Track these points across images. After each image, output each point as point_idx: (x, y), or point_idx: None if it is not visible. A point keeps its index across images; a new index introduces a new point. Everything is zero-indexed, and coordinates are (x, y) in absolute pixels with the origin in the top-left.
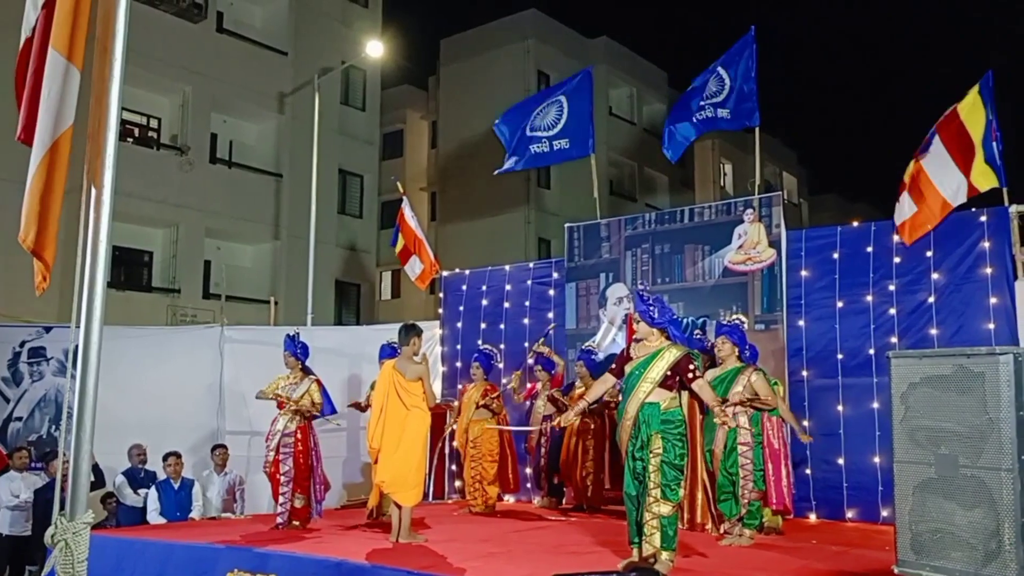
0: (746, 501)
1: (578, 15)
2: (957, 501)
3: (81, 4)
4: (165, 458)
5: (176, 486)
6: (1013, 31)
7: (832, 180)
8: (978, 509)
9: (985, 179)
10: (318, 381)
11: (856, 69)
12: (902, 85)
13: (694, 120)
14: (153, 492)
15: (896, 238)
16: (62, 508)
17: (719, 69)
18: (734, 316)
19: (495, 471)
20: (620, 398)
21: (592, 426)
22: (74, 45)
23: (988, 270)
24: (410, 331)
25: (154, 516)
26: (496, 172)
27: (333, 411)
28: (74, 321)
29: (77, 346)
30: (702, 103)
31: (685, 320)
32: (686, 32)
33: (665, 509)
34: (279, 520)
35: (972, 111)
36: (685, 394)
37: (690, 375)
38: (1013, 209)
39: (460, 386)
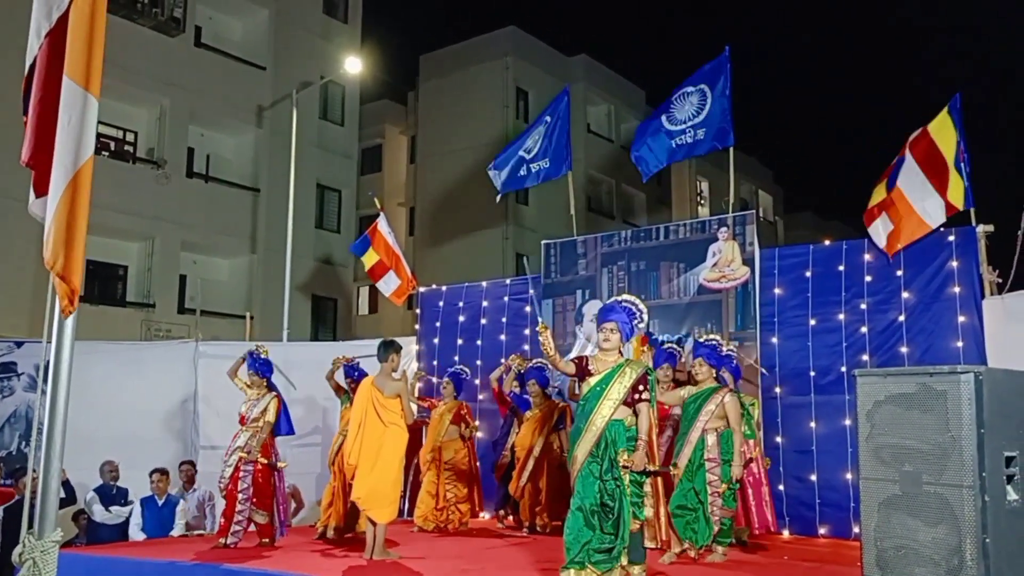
0: (717, 519)
1: (557, 33)
2: (921, 518)
3: (95, 33)
4: (151, 474)
5: (160, 503)
6: (979, 52)
7: (808, 198)
8: (941, 525)
9: (959, 197)
10: (278, 398)
11: (832, 89)
12: (877, 105)
13: (674, 144)
14: (137, 508)
15: (867, 257)
16: (31, 526)
17: (692, 88)
18: (710, 336)
19: (467, 491)
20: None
21: (555, 445)
22: (90, 74)
23: (956, 289)
24: (389, 348)
25: (135, 532)
26: (499, 194)
27: (290, 431)
28: (45, 336)
29: (48, 361)
30: (680, 127)
31: (661, 337)
32: (664, 50)
33: (634, 526)
34: (230, 539)
35: (942, 131)
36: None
37: (636, 395)
38: (980, 229)
39: (426, 404)
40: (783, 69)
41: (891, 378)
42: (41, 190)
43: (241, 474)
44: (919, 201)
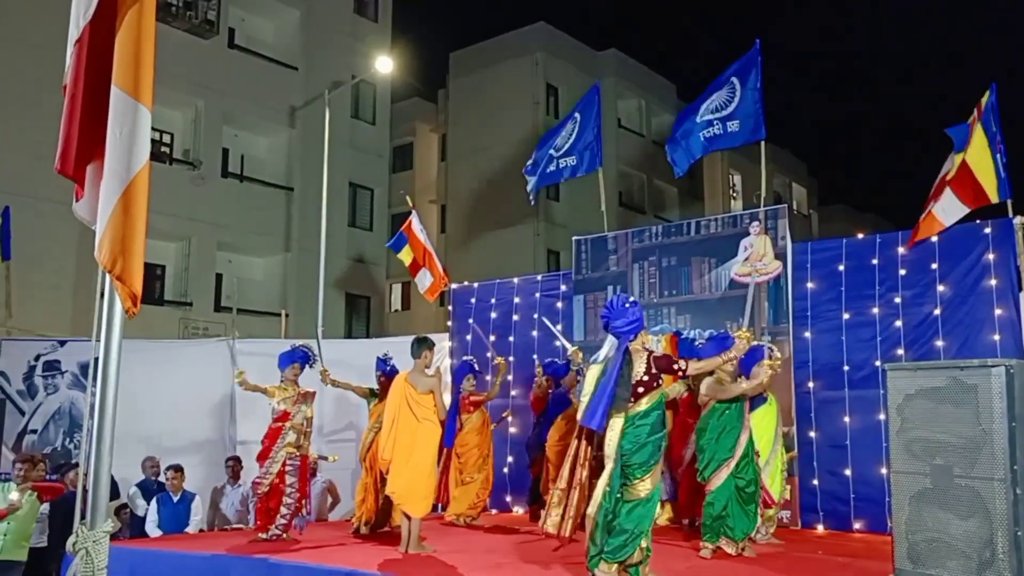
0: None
1: (587, 28)
2: (952, 511)
3: (144, 44)
4: (165, 471)
5: (176, 499)
6: (1018, 39)
7: (842, 191)
8: (973, 519)
9: (993, 188)
10: (313, 395)
11: (865, 80)
12: (911, 96)
13: (703, 137)
14: (153, 504)
15: (901, 250)
16: (83, 517)
17: (725, 81)
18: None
19: (482, 480)
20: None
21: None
22: (141, 84)
23: (993, 282)
24: (422, 344)
25: (152, 528)
26: (531, 201)
27: None
28: (95, 335)
29: (97, 359)
30: (710, 119)
31: (693, 333)
32: (695, 43)
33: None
34: (272, 533)
35: (979, 151)
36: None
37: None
38: (1018, 220)
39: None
40: (816, 60)
41: (921, 372)
42: (80, 193)
43: (287, 468)
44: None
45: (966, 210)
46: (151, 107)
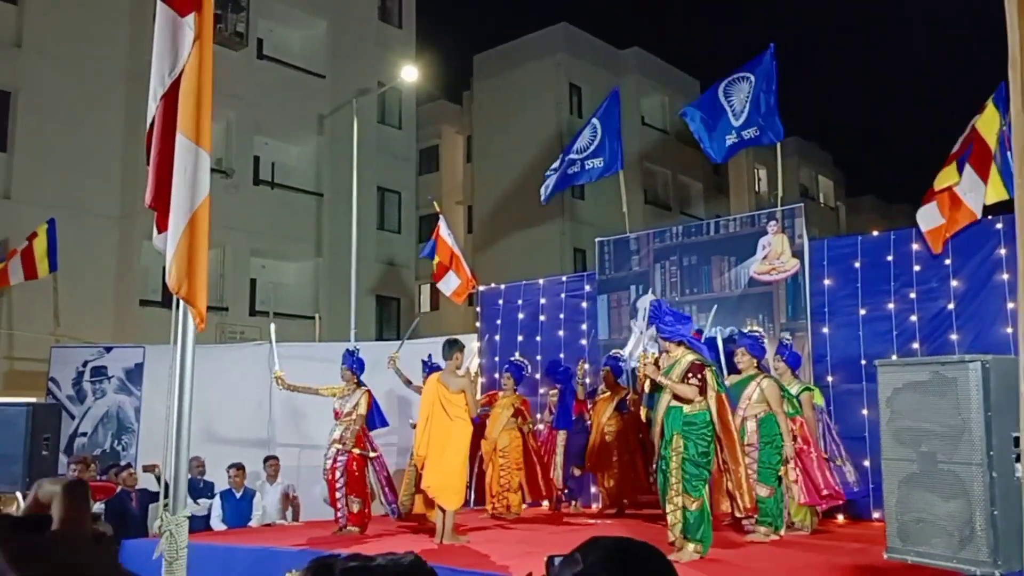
0: (752, 496)
1: (608, 27)
2: (937, 493)
3: (203, 96)
4: (228, 469)
5: (238, 495)
6: None
7: (869, 182)
8: (954, 500)
9: (995, 191)
10: (369, 393)
11: (891, 70)
12: (937, 85)
13: (726, 142)
14: (217, 501)
15: (915, 246)
16: (166, 505)
17: (741, 80)
18: (753, 328)
19: (520, 479)
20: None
21: (616, 428)
22: (200, 131)
23: (1005, 276)
24: (452, 346)
25: (217, 523)
26: (543, 201)
27: (384, 423)
28: (172, 339)
29: (176, 364)
30: (733, 120)
31: (713, 331)
32: (717, 38)
33: (688, 502)
34: (340, 524)
35: (989, 123)
36: (714, 398)
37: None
38: None
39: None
40: (841, 51)
41: (908, 367)
42: (163, 228)
43: (337, 464)
44: (967, 192)
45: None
46: (210, 150)
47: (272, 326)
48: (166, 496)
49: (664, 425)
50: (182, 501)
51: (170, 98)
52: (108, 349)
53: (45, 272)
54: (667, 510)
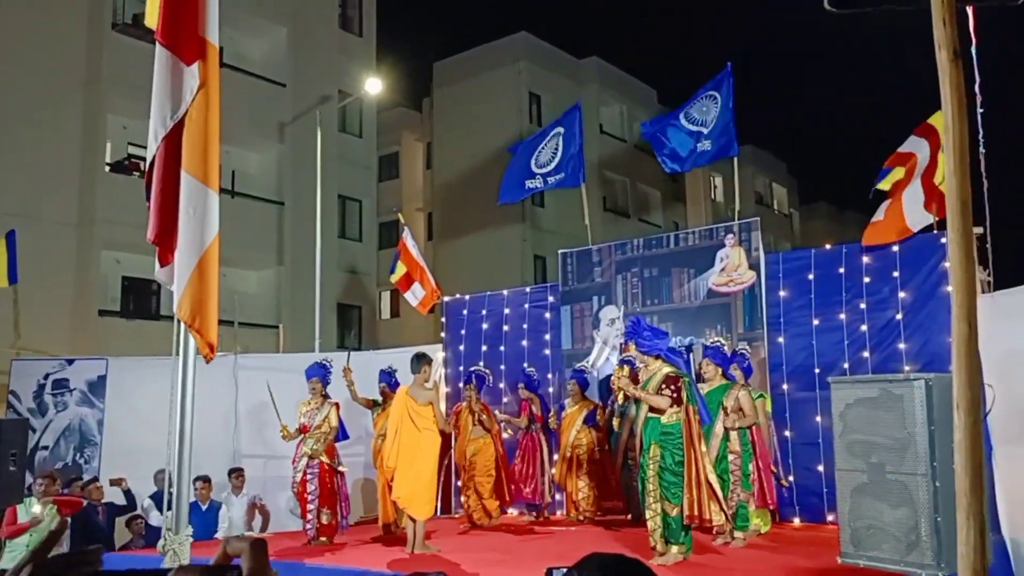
0: (733, 503)
1: (568, 37)
2: (885, 501)
3: (210, 135)
4: (194, 482)
5: (204, 508)
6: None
7: (822, 188)
8: (901, 508)
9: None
10: (336, 406)
11: (842, 79)
12: (887, 92)
13: (683, 153)
14: None
15: (866, 259)
16: (169, 528)
17: (699, 98)
18: (714, 339)
19: (491, 485)
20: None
21: (587, 441)
22: (208, 171)
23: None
24: (420, 360)
25: None
26: (499, 201)
27: (344, 436)
28: (174, 351)
29: (179, 379)
30: (691, 130)
31: (674, 341)
32: (675, 49)
33: (668, 508)
34: (309, 535)
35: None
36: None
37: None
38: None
39: (452, 407)
40: (793, 61)
41: (859, 384)
42: (164, 261)
43: (308, 476)
44: (908, 207)
45: (931, 219)
46: (218, 190)
47: (268, 385)
48: (133, 509)
49: (642, 435)
50: (184, 521)
51: (172, 139)
52: (70, 361)
53: (4, 284)
54: (647, 516)
